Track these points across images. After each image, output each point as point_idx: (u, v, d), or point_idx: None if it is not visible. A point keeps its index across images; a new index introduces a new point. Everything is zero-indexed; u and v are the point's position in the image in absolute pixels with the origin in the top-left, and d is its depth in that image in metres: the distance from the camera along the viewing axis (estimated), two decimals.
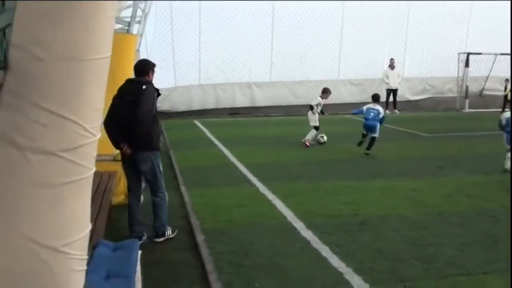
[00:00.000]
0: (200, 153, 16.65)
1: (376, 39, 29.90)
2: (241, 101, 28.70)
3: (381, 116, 16.83)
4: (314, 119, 18.65)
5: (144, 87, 8.20)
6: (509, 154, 14.08)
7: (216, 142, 18.94)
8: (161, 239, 8.69)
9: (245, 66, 28.54)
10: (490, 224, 9.34)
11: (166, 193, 8.80)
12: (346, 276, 7.02)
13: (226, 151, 16.89)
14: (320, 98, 18.92)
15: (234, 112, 28.46)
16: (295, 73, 29.13)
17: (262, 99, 28.91)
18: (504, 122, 14.35)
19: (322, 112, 19.02)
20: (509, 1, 28.29)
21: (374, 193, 11.47)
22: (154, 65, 8.88)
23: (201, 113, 27.50)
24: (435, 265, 7.41)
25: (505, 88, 30.47)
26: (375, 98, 17.61)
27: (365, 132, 16.94)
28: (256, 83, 28.71)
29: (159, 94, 8.61)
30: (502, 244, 8.28)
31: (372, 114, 16.80)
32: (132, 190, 8.73)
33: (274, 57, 28.64)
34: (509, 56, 31.33)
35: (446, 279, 6.97)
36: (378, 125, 16.70)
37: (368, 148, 16.60)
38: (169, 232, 8.81)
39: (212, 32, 27.35)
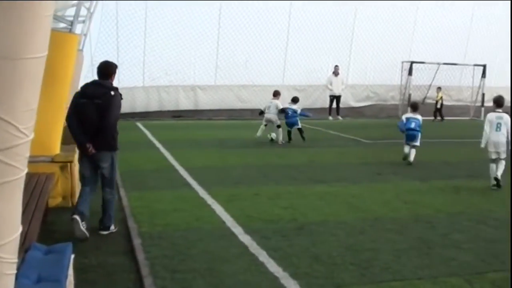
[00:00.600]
0: (141, 156, 16.52)
1: (321, 46, 30.09)
2: (185, 104, 28.58)
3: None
4: (276, 119, 20.26)
5: (113, 93, 8.68)
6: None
7: (158, 145, 18.83)
8: (105, 232, 9.06)
9: (190, 69, 28.44)
10: (426, 230, 9.49)
11: (115, 192, 9.46)
12: (282, 281, 7.04)
13: (167, 154, 16.81)
14: (278, 101, 20.91)
15: (178, 115, 28.35)
16: (240, 77, 29.14)
17: (206, 103, 28.86)
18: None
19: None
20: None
21: (314, 198, 11.56)
22: (116, 66, 9.26)
23: (144, 115, 27.30)
24: (371, 270, 7.49)
25: (437, 96, 31.16)
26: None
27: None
28: (200, 86, 28.66)
29: (121, 98, 9.01)
30: (436, 250, 8.43)
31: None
32: (88, 185, 9.06)
33: (219, 60, 28.60)
34: (451, 66, 32.05)
35: (381, 285, 7.05)
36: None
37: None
38: (112, 227, 9.19)
39: (158, 34, 27.18)
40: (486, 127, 13.84)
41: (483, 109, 32.62)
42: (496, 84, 34.45)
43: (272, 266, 7.51)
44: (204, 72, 28.67)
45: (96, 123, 8.58)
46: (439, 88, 31.35)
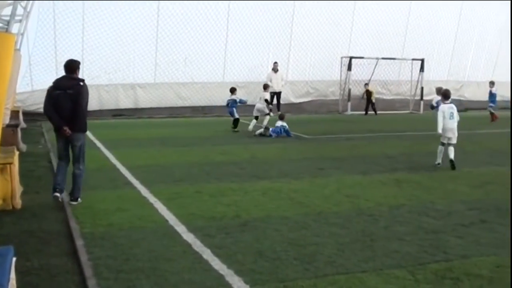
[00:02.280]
0: None
1: (260, 43, 30.14)
2: (125, 103, 28.27)
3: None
4: (266, 108, 23.06)
5: (82, 83, 10.60)
6: None
7: (99, 144, 18.55)
8: (75, 203, 10.62)
9: (129, 67, 28.13)
10: (368, 223, 9.58)
11: (84, 167, 11.01)
12: (227, 279, 7.01)
13: (108, 154, 16.60)
14: (267, 93, 23.64)
15: (118, 113, 28.02)
16: (180, 74, 28.94)
17: (146, 101, 28.59)
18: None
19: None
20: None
21: (257, 195, 11.55)
22: (79, 63, 11.02)
23: None
24: (315, 264, 7.51)
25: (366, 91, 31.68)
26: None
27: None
28: (140, 84, 28.37)
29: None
30: (379, 243, 8.51)
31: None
32: (63, 159, 11.01)
33: (158, 58, 28.34)
34: (390, 60, 32.46)
35: (325, 278, 7.07)
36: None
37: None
38: (80, 199, 10.75)
39: (96, 33, 26.78)
40: (440, 117, 15.44)
41: (422, 102, 33.20)
42: (434, 78, 35.13)
43: (217, 264, 7.48)
44: (143, 70, 28.39)
45: (70, 109, 10.43)
46: (366, 84, 31.79)
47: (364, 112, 31.51)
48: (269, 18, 29.93)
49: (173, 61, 28.59)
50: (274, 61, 29.59)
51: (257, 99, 28.15)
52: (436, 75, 35.47)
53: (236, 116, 23.28)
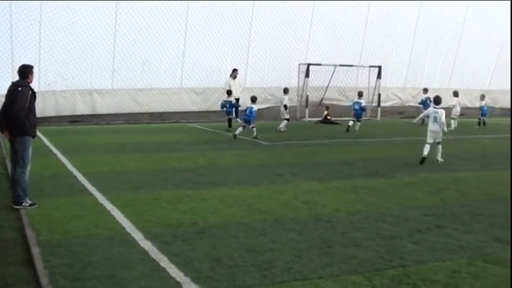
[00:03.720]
0: (37, 163, 15.78)
1: (219, 48, 30.06)
2: (82, 109, 27.94)
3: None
4: (284, 112, 24.98)
5: (20, 88, 10.82)
6: None
7: (55, 151, 18.35)
8: (18, 207, 10.69)
9: (87, 73, 27.75)
10: (325, 230, 9.62)
11: (25, 171, 11.06)
12: (184, 286, 6.97)
13: (65, 160, 16.41)
14: (286, 97, 25.49)
15: (75, 119, 27.69)
16: (138, 80, 28.67)
17: (104, 107, 28.29)
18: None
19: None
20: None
21: (214, 201, 11.52)
22: (31, 67, 11.40)
23: (41, 121, 26.12)
24: (272, 271, 7.51)
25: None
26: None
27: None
28: (97, 90, 28.05)
29: (34, 93, 11.10)
30: (336, 249, 8.55)
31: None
32: (12, 161, 11.29)
33: (116, 64, 28.06)
34: (348, 67, 32.68)
35: (282, 285, 7.08)
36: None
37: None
38: (26, 204, 10.81)
39: (53, 37, 26.40)
40: (425, 117, 18.98)
41: (379, 109, 33.48)
42: (391, 84, 35.51)
43: (174, 271, 7.43)
44: (101, 76, 28.05)
45: (9, 113, 10.72)
46: (327, 108, 31.95)
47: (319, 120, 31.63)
48: (227, 24, 29.87)
49: (131, 66, 28.31)
50: (233, 68, 29.51)
51: (215, 104, 28.36)
52: (394, 82, 35.84)
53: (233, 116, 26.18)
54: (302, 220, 10.21)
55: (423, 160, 17.17)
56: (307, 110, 31.87)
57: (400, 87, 36.26)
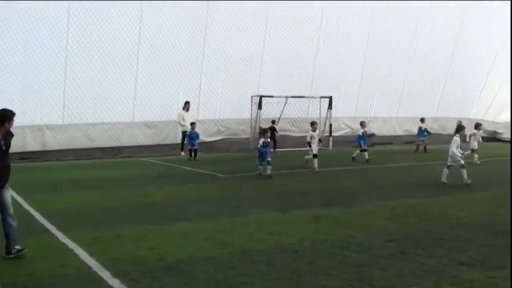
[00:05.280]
0: None
1: (171, 82, 29.94)
2: (32, 145, 27.36)
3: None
4: (312, 148, 22.94)
5: None
6: None
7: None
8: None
9: (37, 108, 27.24)
10: (293, 260, 9.65)
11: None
12: None
13: (20, 200, 15.99)
14: (311, 132, 23.24)
15: (25, 156, 27.16)
16: (89, 115, 28.25)
17: (54, 143, 27.76)
18: None
19: (320, 141, 24.21)
20: None
21: (178, 236, 11.44)
22: (10, 113, 11.04)
23: None
24: None
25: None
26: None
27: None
28: (48, 126, 27.59)
29: (12, 135, 10.85)
30: (306, 278, 8.59)
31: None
32: None
33: (66, 98, 27.63)
34: (299, 99, 32.94)
35: None
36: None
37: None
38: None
39: (2, 72, 25.92)
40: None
41: (331, 138, 33.72)
42: (342, 114, 35.87)
43: None
44: (51, 111, 27.54)
45: None
46: (273, 121, 32.25)
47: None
48: (179, 56, 29.75)
49: (82, 101, 27.87)
50: (185, 100, 29.52)
51: (168, 137, 28.42)
52: (344, 112, 36.22)
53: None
54: (268, 251, 10.21)
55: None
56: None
57: (351, 116, 36.66)
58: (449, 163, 19.19)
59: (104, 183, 19.45)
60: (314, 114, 34.10)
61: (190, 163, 25.42)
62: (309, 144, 23.07)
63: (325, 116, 34.26)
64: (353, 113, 36.77)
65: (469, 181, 18.73)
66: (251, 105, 32.23)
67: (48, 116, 27.51)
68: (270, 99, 32.16)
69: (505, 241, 11.00)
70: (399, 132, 39.24)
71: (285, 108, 33.20)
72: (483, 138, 32.89)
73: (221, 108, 32.04)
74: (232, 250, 10.27)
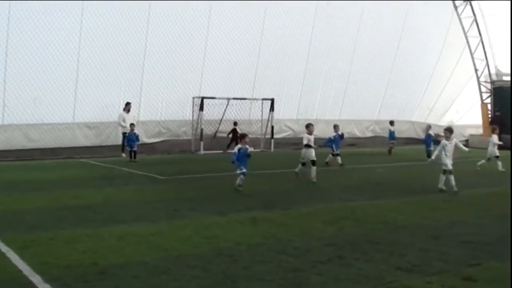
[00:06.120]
0: None
1: (111, 82, 29.54)
2: None
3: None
4: (310, 155, 20.47)
5: None
6: None
7: None
8: None
9: None
10: (228, 264, 9.59)
11: None
12: None
13: None
14: (306, 135, 20.70)
15: None
16: (29, 115, 27.69)
17: None
18: None
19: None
20: None
21: (113, 240, 11.26)
22: None
23: None
24: None
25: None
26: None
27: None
28: None
29: None
30: (240, 284, 8.53)
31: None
32: None
33: (6, 98, 27.05)
34: (241, 100, 32.98)
35: None
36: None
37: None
38: None
39: None
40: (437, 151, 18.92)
41: (272, 140, 33.84)
42: (284, 116, 36.02)
43: None
44: None
45: None
46: (235, 123, 32.21)
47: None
48: (120, 56, 29.42)
49: (22, 101, 27.34)
50: (126, 101, 29.24)
51: (108, 138, 28.15)
52: (286, 114, 36.36)
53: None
54: (204, 255, 10.11)
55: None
56: (201, 143, 31.79)
57: (293, 118, 36.83)
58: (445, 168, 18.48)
59: (43, 185, 19.07)
60: (256, 116, 34.37)
61: (130, 164, 25.18)
62: (307, 146, 20.56)
63: (266, 118, 34.35)
64: (295, 115, 36.94)
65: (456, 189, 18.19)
66: (193, 107, 32.09)
67: None
68: (212, 100, 32.11)
69: (443, 245, 11.16)
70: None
71: (227, 110, 33.17)
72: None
73: (163, 109, 31.82)
74: (167, 255, 10.14)
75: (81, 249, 10.50)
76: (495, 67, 44.14)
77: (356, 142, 35.09)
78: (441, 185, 18.49)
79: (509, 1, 36.09)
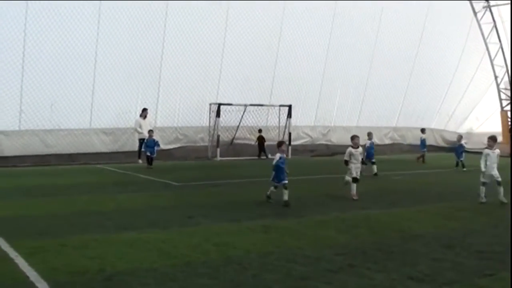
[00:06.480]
0: None
1: (128, 88, 29.65)
2: None
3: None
4: (349, 170, 18.52)
5: None
6: None
7: None
8: None
9: None
10: (237, 272, 9.47)
11: None
12: None
13: None
14: (350, 149, 18.59)
15: None
16: (46, 121, 27.82)
17: (10, 149, 27.28)
18: None
19: (363, 162, 18.96)
20: None
21: (123, 246, 11.18)
22: None
23: None
24: None
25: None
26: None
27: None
28: (4, 132, 27.09)
29: None
30: None
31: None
32: None
33: (23, 104, 27.20)
34: (258, 107, 32.93)
35: None
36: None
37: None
38: None
39: None
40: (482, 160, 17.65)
41: (290, 147, 33.68)
42: (301, 123, 35.94)
43: None
44: (7, 116, 27.08)
45: None
46: (260, 130, 32.16)
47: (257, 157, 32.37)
48: (137, 62, 29.54)
49: (39, 107, 27.44)
50: (143, 107, 29.29)
51: (125, 145, 28.11)
52: (304, 121, 36.31)
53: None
54: (213, 263, 10.00)
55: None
56: (218, 150, 31.78)
57: (310, 125, 36.77)
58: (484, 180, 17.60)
59: (57, 190, 19.10)
60: (273, 123, 34.22)
61: (146, 171, 25.16)
62: (346, 163, 18.81)
63: (284, 125, 34.27)
64: (312, 122, 36.84)
65: (505, 200, 17.32)
66: (210, 113, 32.08)
67: (4, 122, 27.03)
68: (229, 107, 32.07)
69: (457, 255, 10.98)
70: (360, 141, 39.26)
71: (244, 116, 33.12)
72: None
73: (179, 115, 31.87)
74: (176, 262, 10.03)
75: (90, 255, 10.41)
76: None
77: (375, 149, 34.84)
78: (481, 197, 17.59)
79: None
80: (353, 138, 18.83)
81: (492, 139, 17.98)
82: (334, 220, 14.51)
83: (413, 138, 39.73)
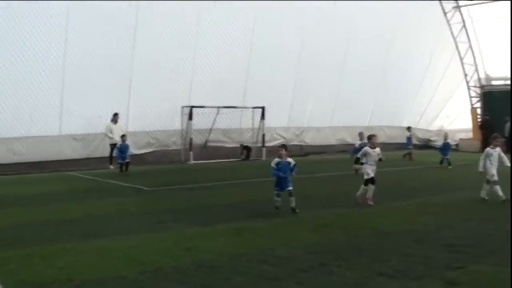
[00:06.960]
0: None
1: (98, 93, 29.07)
2: None
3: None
4: (365, 171, 17.29)
5: None
6: None
7: None
8: None
9: None
10: (208, 276, 9.38)
11: None
12: None
13: None
14: (366, 148, 17.42)
15: None
16: (13, 128, 27.17)
17: None
18: None
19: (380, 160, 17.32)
20: None
21: (92, 254, 10.96)
22: None
23: None
24: None
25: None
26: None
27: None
28: None
29: None
30: None
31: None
32: None
33: None
34: (231, 109, 32.79)
35: None
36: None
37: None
38: None
39: None
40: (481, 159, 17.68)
41: (264, 149, 33.64)
42: (275, 125, 35.83)
43: None
44: None
45: None
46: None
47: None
48: (107, 66, 28.96)
49: (5, 114, 26.84)
50: (114, 112, 28.91)
51: (96, 150, 27.69)
52: (277, 122, 36.18)
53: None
54: (183, 268, 9.86)
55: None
56: (191, 153, 31.56)
57: (284, 126, 36.71)
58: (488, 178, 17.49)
59: (25, 199, 18.64)
60: (246, 125, 34.09)
61: (116, 176, 24.82)
62: (360, 162, 18.63)
63: (257, 126, 34.18)
64: (286, 123, 36.80)
65: (504, 197, 17.13)
66: (182, 116, 31.82)
67: None
68: (202, 109, 31.86)
69: (427, 249, 11.07)
70: (333, 141, 39.48)
71: (217, 118, 32.97)
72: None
73: (151, 119, 31.45)
74: (145, 268, 9.85)
75: (58, 265, 10.18)
76: (484, 72, 44.55)
77: (347, 148, 34.80)
78: (483, 194, 17.57)
79: (499, 5, 36.24)
80: (371, 137, 17.64)
81: (494, 138, 18.01)
82: (306, 220, 14.48)
83: (386, 137, 39.88)
